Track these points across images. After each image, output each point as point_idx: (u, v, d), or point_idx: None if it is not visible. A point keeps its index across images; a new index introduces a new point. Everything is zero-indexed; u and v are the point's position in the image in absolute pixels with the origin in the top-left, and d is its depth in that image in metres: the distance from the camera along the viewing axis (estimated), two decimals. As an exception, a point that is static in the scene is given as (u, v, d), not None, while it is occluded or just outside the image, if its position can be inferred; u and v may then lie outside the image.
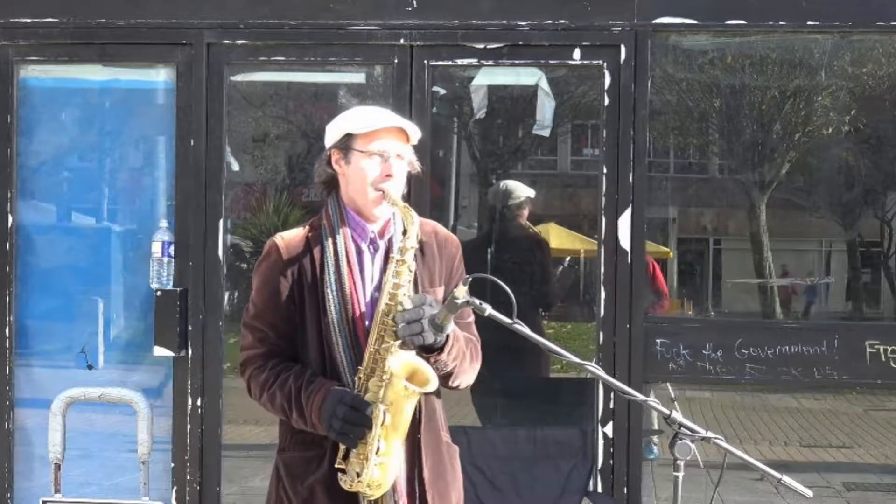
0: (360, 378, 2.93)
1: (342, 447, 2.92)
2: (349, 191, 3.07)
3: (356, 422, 2.85)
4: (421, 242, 3.03)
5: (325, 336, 3.00)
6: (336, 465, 2.92)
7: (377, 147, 3.01)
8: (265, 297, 3.06)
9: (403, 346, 2.89)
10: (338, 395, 2.89)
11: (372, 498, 2.92)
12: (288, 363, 3.04)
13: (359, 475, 2.87)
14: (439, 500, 3.06)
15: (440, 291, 3.07)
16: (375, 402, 2.85)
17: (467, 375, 3.08)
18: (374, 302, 3.01)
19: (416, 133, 3.10)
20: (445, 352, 2.93)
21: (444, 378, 2.99)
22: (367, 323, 3.00)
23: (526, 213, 6.47)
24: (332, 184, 3.13)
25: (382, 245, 3.07)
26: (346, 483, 2.90)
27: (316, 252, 3.04)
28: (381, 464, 2.85)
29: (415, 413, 2.95)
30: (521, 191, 6.48)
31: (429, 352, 2.92)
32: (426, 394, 2.95)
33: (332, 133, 3.09)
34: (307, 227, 3.11)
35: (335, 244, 3.03)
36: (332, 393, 2.90)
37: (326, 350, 3.00)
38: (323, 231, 3.07)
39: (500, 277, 2.90)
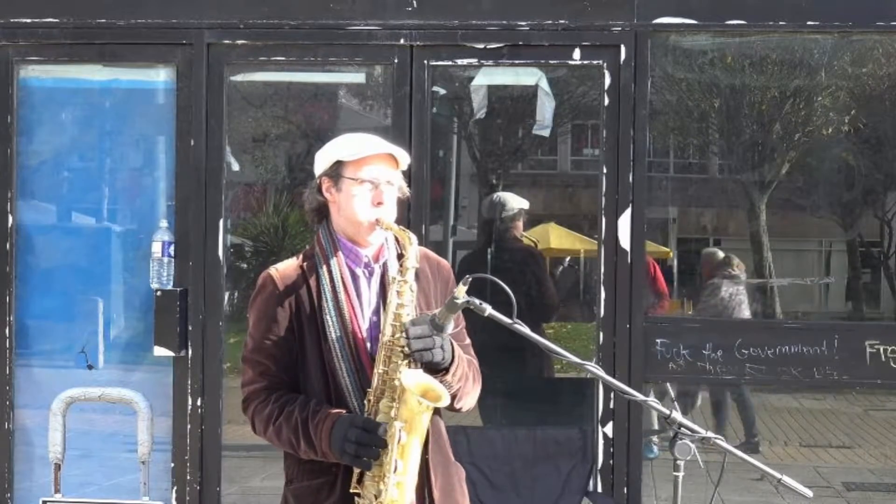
0: (370, 400, 2.91)
1: (355, 472, 2.90)
2: (341, 218, 3.06)
3: (370, 443, 2.84)
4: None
5: (327, 363, 2.99)
6: (351, 490, 2.90)
7: (367, 174, 3.01)
8: (263, 329, 3.04)
9: (411, 365, 2.89)
10: (348, 419, 2.88)
11: None
12: (291, 395, 3.01)
13: (377, 497, 2.85)
14: None
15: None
16: (390, 421, 2.84)
17: (470, 397, 3.08)
18: (373, 326, 3.01)
19: (405, 159, 3.10)
20: (451, 372, 2.93)
21: (450, 399, 2.98)
22: (368, 346, 3.00)
23: (520, 224, 6.44)
24: (322, 211, 3.12)
25: (377, 269, 3.07)
26: None
27: (312, 280, 3.03)
28: (399, 483, 2.83)
29: None
30: (515, 203, 6.45)
31: (435, 372, 2.92)
32: (433, 417, 2.94)
33: (322, 160, 3.09)
34: (300, 257, 3.11)
35: (330, 271, 3.03)
36: (341, 418, 2.89)
37: (330, 377, 2.99)
38: (317, 259, 3.06)
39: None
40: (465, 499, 3.17)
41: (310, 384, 3.02)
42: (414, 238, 2.99)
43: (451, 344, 2.94)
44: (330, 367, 2.99)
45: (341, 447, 2.85)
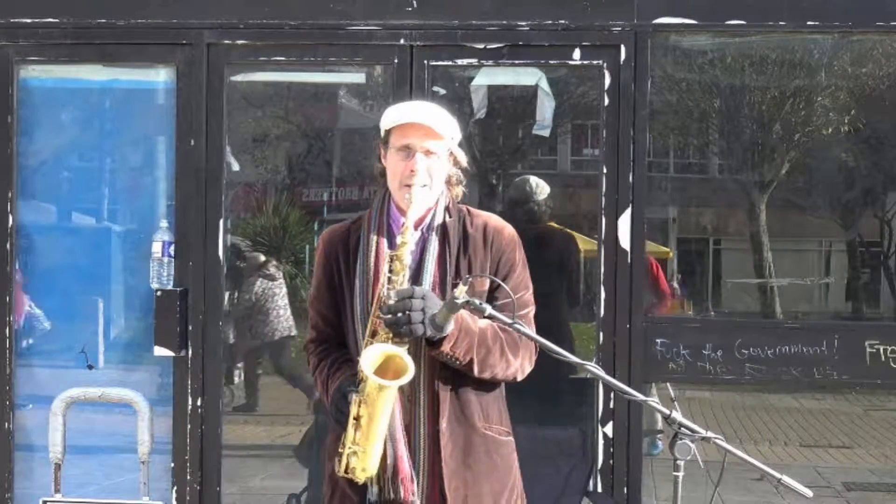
0: (360, 369, 2.98)
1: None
2: (389, 184, 3.16)
3: (345, 411, 2.97)
4: (467, 235, 3.13)
5: (354, 325, 3.11)
6: (339, 449, 3.00)
7: (403, 142, 3.09)
8: (315, 285, 3.25)
9: (397, 337, 2.93)
10: (343, 386, 3.03)
11: (358, 482, 2.98)
12: (330, 350, 3.20)
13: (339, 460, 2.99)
14: (464, 489, 3.09)
15: (486, 283, 3.11)
16: (351, 392, 2.95)
17: (500, 367, 3.10)
18: None
19: (444, 129, 3.10)
20: (448, 346, 2.96)
21: (468, 369, 3.04)
22: None
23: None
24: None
25: (419, 234, 3.11)
26: (337, 467, 2.99)
27: (353, 243, 3.17)
28: (354, 452, 2.92)
29: (434, 405, 3.04)
30: (547, 187, 6.33)
31: (430, 344, 2.97)
32: (457, 387, 3.05)
33: (381, 127, 3.19)
34: (356, 218, 3.24)
35: (369, 236, 3.13)
36: (341, 383, 3.05)
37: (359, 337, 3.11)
38: (363, 223, 3.18)
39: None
40: (495, 469, 3.16)
41: (349, 338, 3.16)
42: (411, 217, 3.03)
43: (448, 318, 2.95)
44: (354, 329, 3.11)
45: (332, 411, 3.06)
